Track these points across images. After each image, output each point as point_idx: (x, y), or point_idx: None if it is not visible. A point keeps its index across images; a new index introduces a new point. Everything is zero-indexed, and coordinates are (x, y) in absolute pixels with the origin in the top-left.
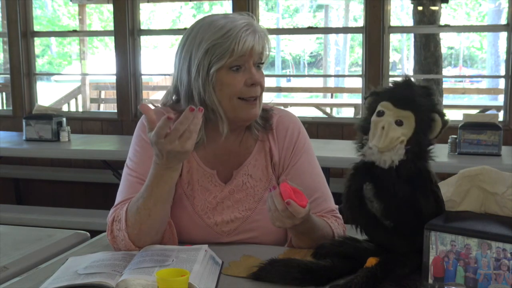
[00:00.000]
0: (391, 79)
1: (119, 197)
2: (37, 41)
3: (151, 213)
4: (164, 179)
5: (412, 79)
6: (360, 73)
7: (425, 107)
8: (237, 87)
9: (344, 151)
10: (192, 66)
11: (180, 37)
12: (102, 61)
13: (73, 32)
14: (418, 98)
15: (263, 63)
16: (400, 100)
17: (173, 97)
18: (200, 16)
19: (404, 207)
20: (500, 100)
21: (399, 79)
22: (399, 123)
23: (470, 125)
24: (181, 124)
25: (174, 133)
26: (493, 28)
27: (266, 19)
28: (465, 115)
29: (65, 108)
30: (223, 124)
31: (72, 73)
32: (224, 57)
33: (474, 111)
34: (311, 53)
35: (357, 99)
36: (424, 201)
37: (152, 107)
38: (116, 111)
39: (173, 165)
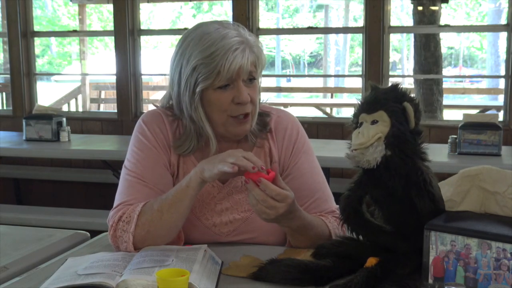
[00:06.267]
0: (391, 79)
1: (118, 198)
2: (37, 41)
3: (163, 216)
4: (189, 186)
5: (376, 84)
6: (360, 73)
7: (391, 100)
8: (224, 105)
9: (344, 151)
10: (181, 79)
11: (179, 37)
12: (102, 61)
13: (73, 32)
14: (382, 96)
15: (254, 79)
16: (368, 106)
17: (170, 102)
18: (199, 16)
19: (402, 208)
20: (500, 100)
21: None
22: (374, 122)
23: (470, 125)
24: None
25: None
26: (493, 28)
27: (266, 19)
28: (465, 115)
29: (65, 108)
30: (212, 142)
31: (72, 73)
32: (210, 77)
33: (474, 111)
34: (311, 53)
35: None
36: (418, 201)
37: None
38: (116, 111)
39: (205, 171)
